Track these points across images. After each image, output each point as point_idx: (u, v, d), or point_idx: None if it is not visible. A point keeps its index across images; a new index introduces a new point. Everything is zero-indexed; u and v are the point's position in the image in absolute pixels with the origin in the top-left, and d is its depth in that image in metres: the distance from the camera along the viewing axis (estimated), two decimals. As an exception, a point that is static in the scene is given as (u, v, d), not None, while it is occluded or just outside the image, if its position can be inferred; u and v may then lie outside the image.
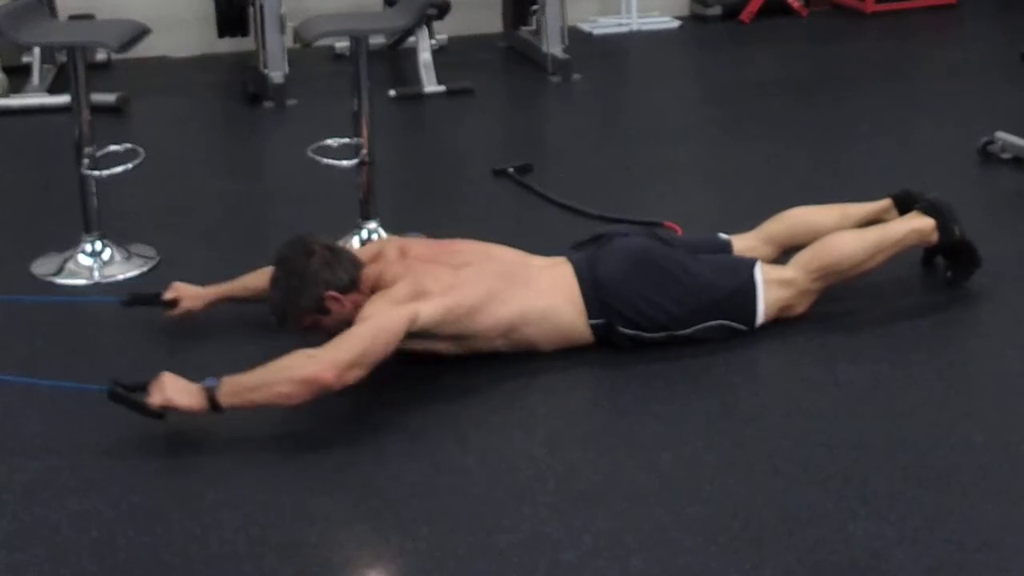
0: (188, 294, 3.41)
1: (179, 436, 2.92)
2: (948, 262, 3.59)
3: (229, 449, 2.87)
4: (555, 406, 3.09)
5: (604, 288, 3.21)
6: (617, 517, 2.57)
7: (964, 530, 2.49)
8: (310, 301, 3.10)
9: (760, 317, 3.30)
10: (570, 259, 3.30)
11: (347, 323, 3.14)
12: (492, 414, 3.01)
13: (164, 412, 2.83)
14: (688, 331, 3.25)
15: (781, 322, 3.34)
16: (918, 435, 2.86)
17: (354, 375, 2.86)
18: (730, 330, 3.28)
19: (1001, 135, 4.68)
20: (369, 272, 3.19)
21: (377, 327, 2.94)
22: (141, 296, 3.49)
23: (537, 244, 3.45)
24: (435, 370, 3.15)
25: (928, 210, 3.50)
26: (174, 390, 2.81)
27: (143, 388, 2.83)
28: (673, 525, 2.53)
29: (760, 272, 3.31)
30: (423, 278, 3.09)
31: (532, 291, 3.19)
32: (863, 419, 2.94)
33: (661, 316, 3.22)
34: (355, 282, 3.14)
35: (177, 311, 3.40)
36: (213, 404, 2.80)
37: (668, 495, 2.64)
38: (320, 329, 3.16)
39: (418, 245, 3.34)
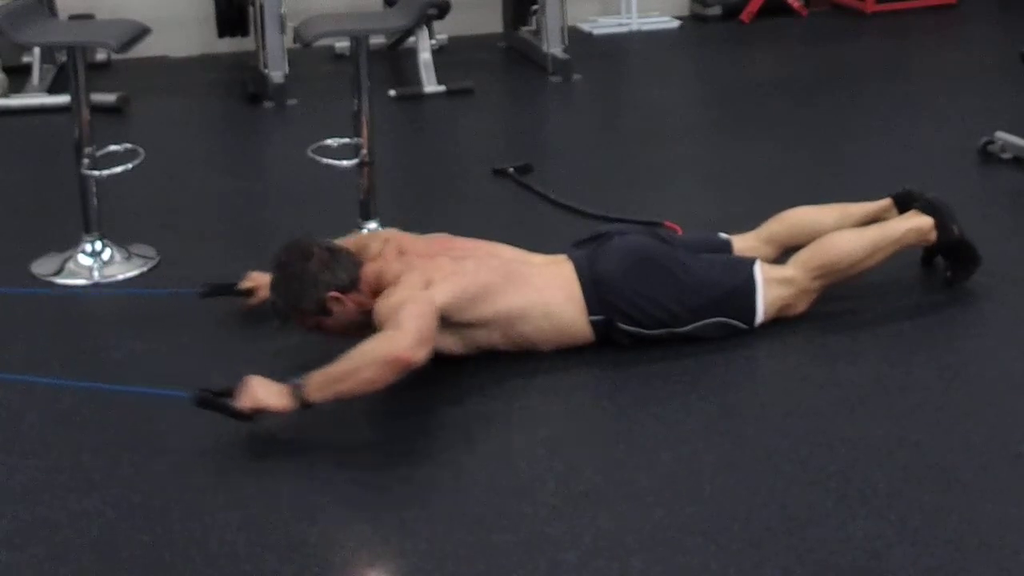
0: (264, 282, 3.37)
1: (179, 436, 2.93)
2: (947, 261, 3.60)
3: (230, 449, 2.87)
4: (555, 406, 3.09)
5: (604, 285, 3.22)
6: (617, 517, 2.57)
7: (964, 530, 2.49)
8: (312, 304, 3.10)
9: (760, 316, 3.31)
10: (570, 257, 3.31)
11: (350, 323, 3.15)
12: (492, 414, 3.01)
13: (254, 416, 2.83)
14: (688, 328, 3.25)
15: (781, 322, 3.35)
16: (918, 435, 2.86)
17: (427, 350, 2.88)
18: (730, 328, 3.28)
19: (1001, 135, 4.68)
20: (368, 271, 3.19)
21: (427, 302, 2.96)
22: (218, 286, 3.52)
23: (537, 244, 3.45)
24: (435, 370, 3.14)
25: (926, 209, 3.50)
26: (264, 392, 2.81)
27: (228, 393, 2.83)
28: (673, 525, 2.53)
29: (760, 271, 3.31)
30: (427, 269, 3.10)
31: (533, 288, 3.19)
32: (863, 419, 2.94)
33: (661, 314, 3.22)
34: (355, 282, 3.14)
35: (253, 300, 3.44)
36: (303, 402, 2.80)
37: (668, 495, 2.64)
38: (323, 330, 3.17)
39: (416, 243, 3.33)
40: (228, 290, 3.50)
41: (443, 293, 3.04)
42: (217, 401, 2.84)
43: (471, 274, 3.13)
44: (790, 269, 3.38)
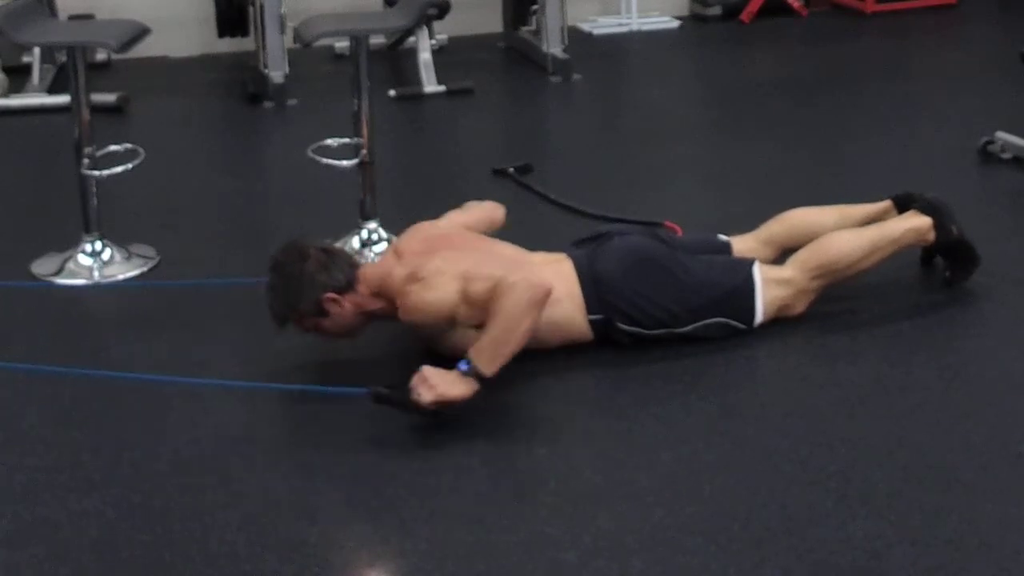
0: None
1: (179, 436, 2.93)
2: (947, 262, 3.59)
3: (229, 449, 2.87)
4: (555, 406, 3.09)
5: (604, 285, 3.22)
6: (617, 517, 2.57)
7: (964, 530, 2.49)
8: (309, 305, 3.10)
9: (759, 316, 3.31)
10: (570, 256, 3.31)
11: (348, 325, 3.15)
12: (492, 414, 3.01)
13: (437, 409, 2.82)
14: (687, 329, 3.25)
15: (781, 322, 3.34)
16: (918, 435, 2.86)
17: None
18: (729, 328, 3.28)
19: (1001, 135, 4.68)
20: (368, 272, 3.18)
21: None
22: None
23: (537, 244, 3.45)
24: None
25: (925, 209, 3.50)
26: (444, 383, 2.82)
27: (401, 387, 2.83)
28: (673, 525, 2.53)
29: (758, 271, 3.31)
30: (429, 262, 3.09)
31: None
32: (863, 419, 2.94)
33: (660, 314, 3.22)
34: (352, 283, 3.14)
35: None
36: (480, 379, 2.82)
37: (668, 495, 2.64)
38: (321, 332, 3.17)
39: (413, 242, 3.31)
40: None
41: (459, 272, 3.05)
42: (395, 396, 2.83)
43: (476, 261, 3.13)
44: (789, 270, 3.38)
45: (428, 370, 2.84)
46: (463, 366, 2.83)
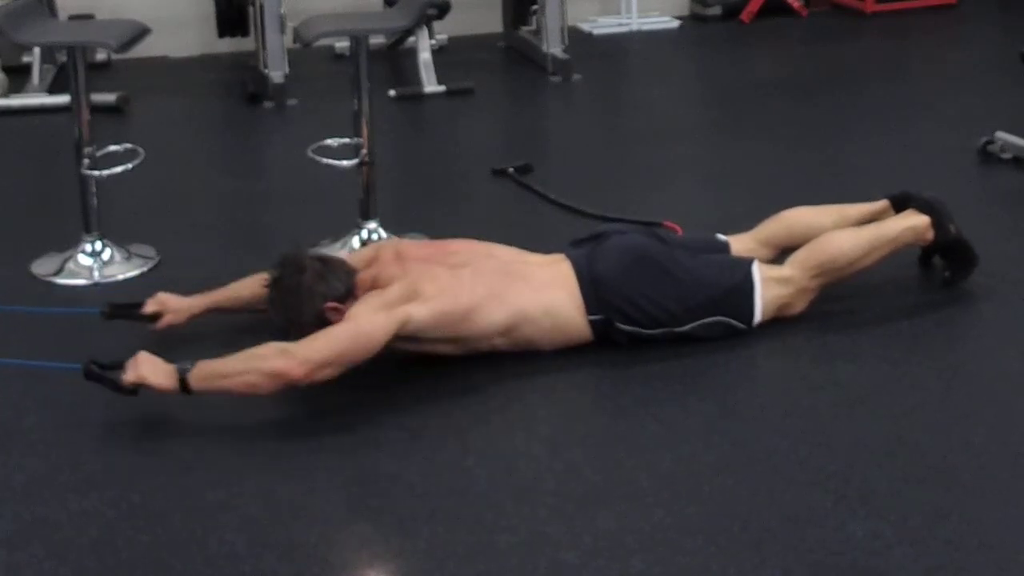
0: (172, 306, 3.35)
1: (180, 436, 2.93)
2: (945, 261, 3.60)
3: (230, 449, 2.87)
4: (555, 406, 3.09)
5: (603, 285, 3.22)
6: (617, 517, 2.57)
7: (964, 530, 2.49)
8: (310, 316, 3.09)
9: (758, 315, 3.31)
10: (568, 256, 3.31)
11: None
12: (492, 414, 3.01)
13: (137, 390, 2.90)
14: (686, 328, 3.25)
15: (780, 322, 3.35)
16: (918, 435, 2.86)
17: (325, 374, 2.89)
18: (729, 327, 3.28)
19: (1001, 135, 4.68)
20: (364, 277, 3.18)
21: (358, 330, 2.96)
22: (121, 307, 3.39)
23: (537, 244, 3.45)
24: (435, 370, 3.15)
25: (923, 208, 3.50)
26: (148, 368, 2.88)
27: (119, 366, 2.90)
28: (673, 525, 2.53)
29: (757, 270, 3.32)
30: (419, 280, 3.09)
31: (531, 288, 3.19)
32: (863, 419, 2.94)
33: (659, 313, 3.22)
34: (351, 290, 3.14)
35: (160, 325, 3.34)
36: (184, 386, 2.87)
37: (668, 495, 2.64)
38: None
39: (414, 247, 3.33)
40: (132, 312, 3.35)
41: (423, 313, 3.02)
42: (103, 375, 2.91)
43: (466, 289, 3.11)
44: (788, 268, 3.38)
45: (142, 355, 2.91)
46: (181, 364, 2.88)
